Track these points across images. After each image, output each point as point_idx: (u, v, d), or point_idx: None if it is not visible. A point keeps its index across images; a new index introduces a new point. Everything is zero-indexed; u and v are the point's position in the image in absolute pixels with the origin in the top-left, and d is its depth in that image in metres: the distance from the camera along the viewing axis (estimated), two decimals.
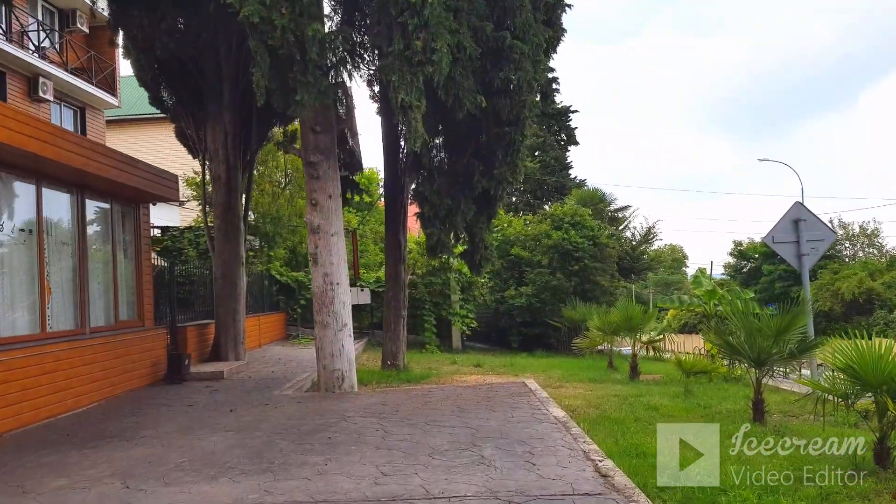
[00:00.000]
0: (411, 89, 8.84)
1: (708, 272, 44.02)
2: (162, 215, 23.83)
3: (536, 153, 40.40)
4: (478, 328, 22.46)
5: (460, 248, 14.04)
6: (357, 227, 23.49)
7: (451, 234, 12.49)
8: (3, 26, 16.71)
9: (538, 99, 10.72)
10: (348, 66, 11.55)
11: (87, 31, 20.33)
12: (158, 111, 15.67)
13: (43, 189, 9.16)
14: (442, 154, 12.10)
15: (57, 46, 19.52)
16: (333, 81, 12.37)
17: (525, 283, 23.60)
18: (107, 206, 10.96)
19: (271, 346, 18.66)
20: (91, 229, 10.46)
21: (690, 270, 69.80)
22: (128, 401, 9.90)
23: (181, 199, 24.79)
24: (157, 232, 23.76)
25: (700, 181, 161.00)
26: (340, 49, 10.58)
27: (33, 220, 8.99)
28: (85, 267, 10.08)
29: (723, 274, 52.33)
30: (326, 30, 10.25)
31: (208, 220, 14.56)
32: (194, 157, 15.09)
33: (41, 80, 17.90)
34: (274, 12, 8.53)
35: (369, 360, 16.49)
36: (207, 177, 14.49)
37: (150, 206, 12.37)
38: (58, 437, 7.49)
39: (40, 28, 18.52)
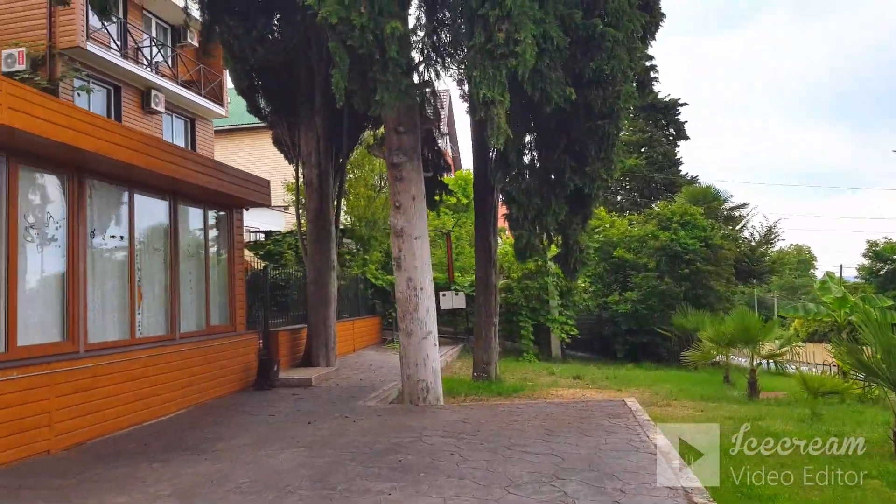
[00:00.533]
0: (493, 84, 8.26)
1: (837, 276, 40.59)
2: (267, 220, 24.46)
3: (643, 149, 38.69)
4: (579, 336, 21.45)
5: (555, 250, 13.30)
6: (452, 228, 23.09)
7: (543, 236, 11.81)
8: (119, 43, 17.50)
9: (634, 89, 9.84)
10: (435, 65, 11.15)
11: (196, 45, 21.05)
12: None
13: (135, 195, 9.28)
14: (534, 152, 11.45)
15: (169, 61, 20.34)
16: (421, 80, 12.01)
17: (630, 287, 22.37)
18: (199, 211, 11.07)
19: (365, 351, 18.57)
20: (183, 235, 10.55)
21: (819, 273, 64.74)
22: (214, 408, 9.88)
23: (284, 205, 25.40)
24: (261, 236, 24.40)
25: (825, 177, 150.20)
26: (423, 47, 10.18)
27: (125, 225, 9.12)
28: (176, 272, 10.17)
29: (856, 277, 48.03)
30: (411, 26, 9.89)
31: (301, 225, 14.54)
32: (290, 163, 15.15)
33: (153, 92, 18.68)
34: (353, 11, 8.19)
35: (462, 369, 16.04)
36: (302, 182, 14.49)
37: (245, 210, 12.41)
38: (136, 447, 7.45)
39: (153, 44, 19.31)
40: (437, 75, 11.19)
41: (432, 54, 9.91)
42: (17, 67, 15.04)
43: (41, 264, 7.54)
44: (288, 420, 8.87)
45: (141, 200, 9.46)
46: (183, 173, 9.44)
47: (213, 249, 11.49)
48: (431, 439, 7.32)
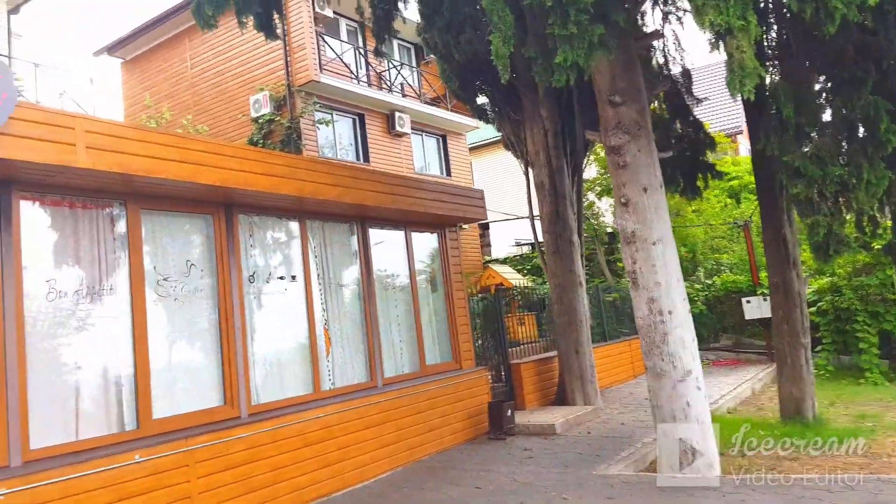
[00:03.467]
0: (726, 4, 5.36)
1: None
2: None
3: None
4: None
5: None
6: (751, 217, 18.89)
7: (863, 219, 8.11)
8: (353, 70, 17.36)
9: None
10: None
11: None
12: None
13: (307, 226, 8.12)
14: (829, 100, 7.86)
15: (411, 80, 19.90)
16: (636, 27, 9.14)
17: None
18: (398, 234, 9.65)
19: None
20: (379, 264, 9.20)
21: None
22: (419, 472, 8.23)
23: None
24: (528, 248, 22.85)
25: None
26: None
27: (298, 262, 7.97)
28: (373, 308, 8.83)
29: None
30: None
31: (537, 235, 12.47)
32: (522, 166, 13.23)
33: (397, 115, 18.27)
34: None
35: (773, 399, 12.35)
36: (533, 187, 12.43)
37: (457, 228, 10.79)
38: None
39: (391, 67, 18.93)
40: (667, 16, 8.34)
41: None
42: (264, 111, 15.52)
43: (183, 321, 6.58)
44: (490, 501, 6.81)
45: (317, 231, 8.30)
46: (358, 196, 8.04)
47: (422, 276, 10.00)
48: None
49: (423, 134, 19.93)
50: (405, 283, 9.62)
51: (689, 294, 17.77)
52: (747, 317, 17.41)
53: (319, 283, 8.20)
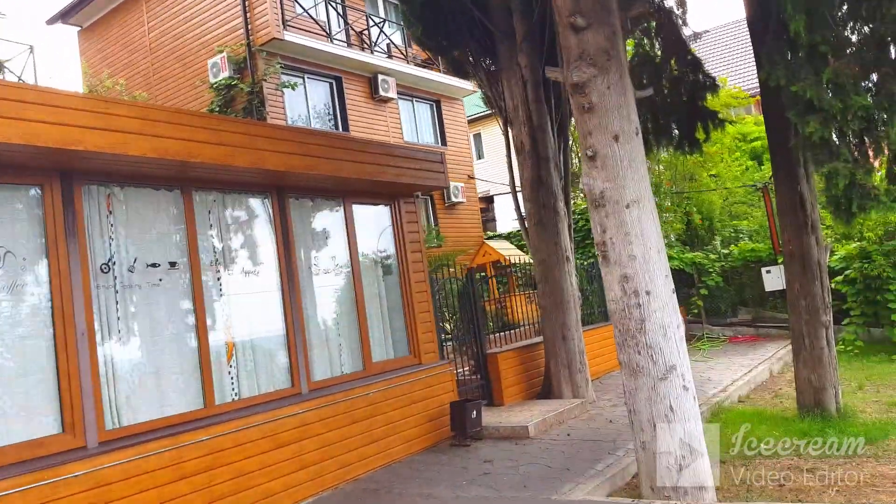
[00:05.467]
0: None
1: None
2: None
3: None
4: None
5: None
6: (770, 180, 16.87)
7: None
8: (328, 28, 15.68)
9: None
10: None
11: None
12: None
13: (194, 198, 6.54)
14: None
15: (400, 41, 18.16)
16: None
17: None
18: (334, 207, 8.06)
19: None
20: (306, 243, 7.64)
21: None
22: (351, 496, 6.73)
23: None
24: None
25: None
26: None
27: (182, 243, 6.39)
28: (295, 298, 7.25)
29: None
30: None
31: (519, 205, 10.79)
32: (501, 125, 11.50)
33: (381, 77, 16.60)
34: None
35: (792, 385, 10.59)
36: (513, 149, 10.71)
37: (416, 197, 9.14)
38: None
39: (374, 24, 17.20)
40: None
41: None
42: (223, 76, 14.00)
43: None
44: None
45: (211, 205, 6.73)
46: (254, 158, 6.42)
47: (368, 256, 8.41)
48: None
49: (414, 99, 18.22)
50: (344, 266, 8.03)
51: (703, 265, 16.17)
52: (767, 288, 15.60)
53: (215, 270, 6.65)
